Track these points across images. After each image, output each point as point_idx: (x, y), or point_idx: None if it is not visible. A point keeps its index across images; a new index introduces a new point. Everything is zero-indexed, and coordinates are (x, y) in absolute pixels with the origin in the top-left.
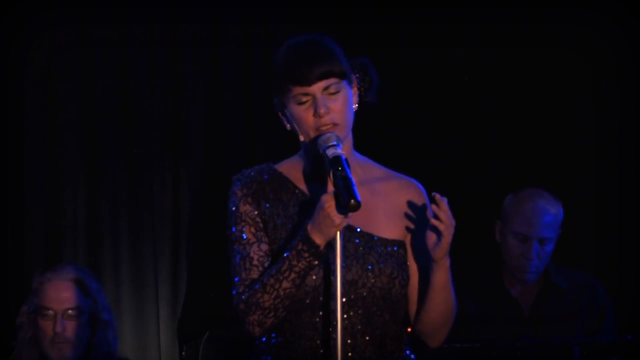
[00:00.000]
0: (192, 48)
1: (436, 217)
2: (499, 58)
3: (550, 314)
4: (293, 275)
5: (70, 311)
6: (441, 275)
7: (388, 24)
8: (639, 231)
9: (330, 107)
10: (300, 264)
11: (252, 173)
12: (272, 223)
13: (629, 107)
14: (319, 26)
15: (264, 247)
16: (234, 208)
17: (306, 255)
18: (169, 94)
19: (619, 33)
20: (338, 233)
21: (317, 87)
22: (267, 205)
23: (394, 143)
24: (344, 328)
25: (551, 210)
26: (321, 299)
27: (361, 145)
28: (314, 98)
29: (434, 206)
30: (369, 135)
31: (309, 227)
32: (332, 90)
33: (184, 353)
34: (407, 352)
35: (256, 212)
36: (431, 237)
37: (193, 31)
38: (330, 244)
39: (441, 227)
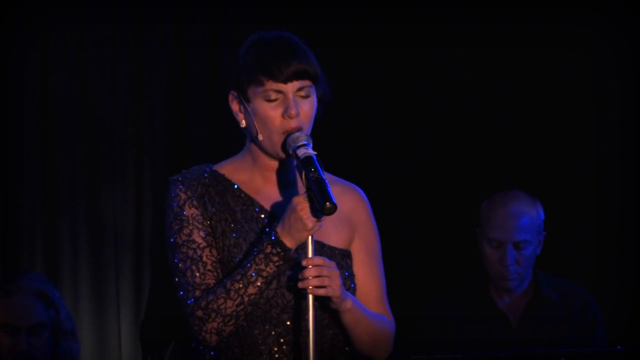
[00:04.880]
0: (157, 48)
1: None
2: (499, 58)
3: (539, 326)
4: (260, 280)
5: (35, 327)
6: (348, 318)
7: (365, 24)
8: (637, 236)
9: (300, 110)
10: (268, 268)
11: (194, 174)
12: (220, 229)
13: (629, 107)
14: (288, 26)
15: (215, 252)
16: (178, 211)
17: (275, 259)
18: (133, 94)
19: (619, 33)
20: (310, 237)
21: (291, 86)
22: (214, 209)
23: (393, 144)
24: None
25: (526, 212)
26: (273, 311)
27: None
28: (285, 97)
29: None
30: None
31: (279, 230)
32: (303, 93)
33: None
34: None
35: (203, 216)
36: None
37: (158, 31)
38: (298, 249)
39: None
